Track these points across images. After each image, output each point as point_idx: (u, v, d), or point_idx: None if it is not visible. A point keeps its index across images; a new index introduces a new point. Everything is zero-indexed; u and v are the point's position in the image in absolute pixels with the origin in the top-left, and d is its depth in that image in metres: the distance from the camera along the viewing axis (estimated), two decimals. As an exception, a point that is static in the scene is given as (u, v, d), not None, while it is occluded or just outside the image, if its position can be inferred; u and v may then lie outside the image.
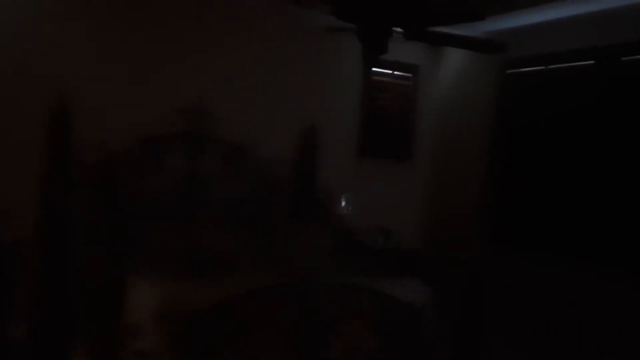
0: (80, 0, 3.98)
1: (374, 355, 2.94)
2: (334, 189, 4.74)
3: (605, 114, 3.93)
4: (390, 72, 5.29)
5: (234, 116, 4.35)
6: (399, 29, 3.04)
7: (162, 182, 4.11)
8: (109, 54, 4.07)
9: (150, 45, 4.21)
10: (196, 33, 4.36)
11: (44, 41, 3.89)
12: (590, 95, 4.04)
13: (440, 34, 3.17)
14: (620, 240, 3.76)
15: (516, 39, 4.45)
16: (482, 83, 5.00)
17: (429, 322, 3.30)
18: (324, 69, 4.94)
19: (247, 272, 3.36)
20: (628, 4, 3.76)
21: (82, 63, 3.98)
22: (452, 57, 5.34)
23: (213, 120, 4.28)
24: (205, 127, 4.28)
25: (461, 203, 5.18)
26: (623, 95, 3.84)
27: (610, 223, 3.84)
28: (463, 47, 3.51)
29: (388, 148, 5.38)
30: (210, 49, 4.42)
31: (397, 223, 5.21)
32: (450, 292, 4.15)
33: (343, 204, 4.74)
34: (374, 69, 5.12)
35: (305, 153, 4.76)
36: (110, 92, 4.05)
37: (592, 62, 4.06)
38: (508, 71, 4.69)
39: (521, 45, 4.45)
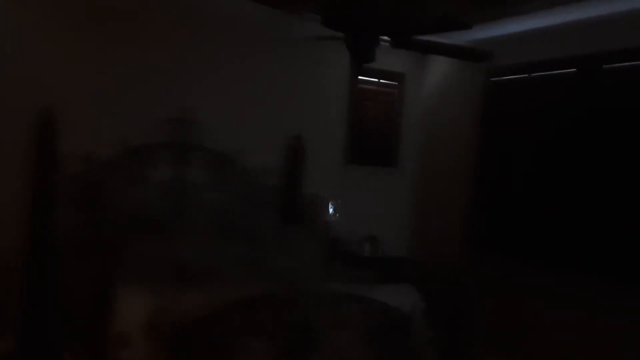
0: (68, 10, 3.96)
1: (363, 363, 2.94)
2: (321, 197, 4.75)
3: (588, 120, 3.99)
4: (376, 80, 5.33)
5: (220, 125, 4.33)
6: (386, 38, 3.07)
7: (149, 191, 4.08)
8: (95, 64, 4.05)
9: (137, 56, 4.19)
10: (183, 43, 4.35)
11: (30, 51, 3.86)
12: (573, 102, 4.10)
13: (427, 43, 3.21)
14: (606, 246, 3.80)
15: (500, 47, 4.50)
16: (467, 91, 5.06)
17: (417, 328, 3.31)
18: (311, 78, 4.96)
19: (234, 281, 3.34)
20: (609, 13, 3.84)
21: (68, 73, 3.95)
22: (438, 66, 5.39)
23: (200, 130, 4.27)
24: (192, 136, 4.27)
25: (447, 209, 5.21)
26: (605, 102, 3.90)
27: (594, 229, 3.89)
28: (449, 55, 3.56)
29: (374, 156, 5.41)
30: (197, 58, 4.41)
31: (384, 230, 5.23)
32: (437, 297, 4.17)
33: (330, 212, 4.75)
34: (360, 77, 5.16)
35: (292, 161, 4.76)
36: (96, 102, 4.03)
37: (574, 70, 4.12)
38: (492, 79, 4.74)
39: (505, 53, 4.51)
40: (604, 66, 3.93)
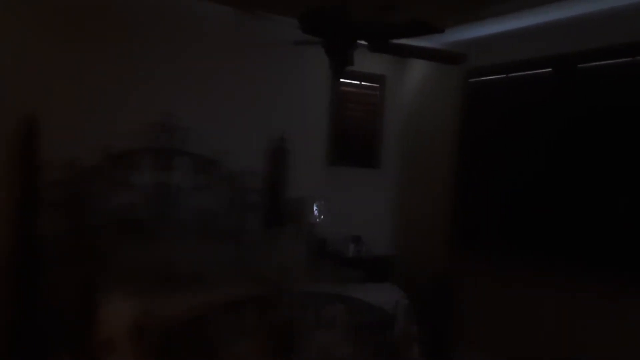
0: (48, 17, 3.97)
1: (348, 361, 2.99)
2: (304, 198, 4.79)
3: (563, 118, 4.08)
4: (357, 82, 5.39)
5: (203, 129, 4.37)
6: (363, 42, 3.13)
7: (134, 197, 4.10)
8: (77, 70, 4.06)
9: (119, 61, 4.21)
10: (164, 48, 4.37)
11: (11, 60, 3.86)
12: (549, 101, 4.19)
13: (403, 47, 3.27)
14: (591, 241, 3.87)
15: (478, 49, 4.60)
16: (446, 91, 5.14)
17: (401, 326, 3.37)
18: (293, 81, 5.00)
19: (220, 284, 3.37)
20: (582, 14, 3.93)
21: (50, 80, 3.95)
22: (418, 67, 5.47)
23: (183, 134, 4.30)
24: (176, 141, 4.29)
25: (430, 209, 5.28)
26: (579, 100, 4.00)
27: (577, 224, 3.97)
28: (425, 58, 3.63)
29: (357, 156, 5.47)
30: (179, 63, 4.42)
31: (368, 230, 5.29)
32: (421, 296, 4.22)
33: (314, 213, 4.79)
34: (341, 79, 5.21)
35: (275, 164, 4.81)
36: (79, 109, 4.04)
37: (549, 70, 4.21)
38: (471, 80, 4.83)
39: (483, 55, 4.60)
40: (578, 66, 4.02)
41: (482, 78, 4.74)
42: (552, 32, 4.18)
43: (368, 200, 5.46)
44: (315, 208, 4.80)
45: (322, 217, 4.83)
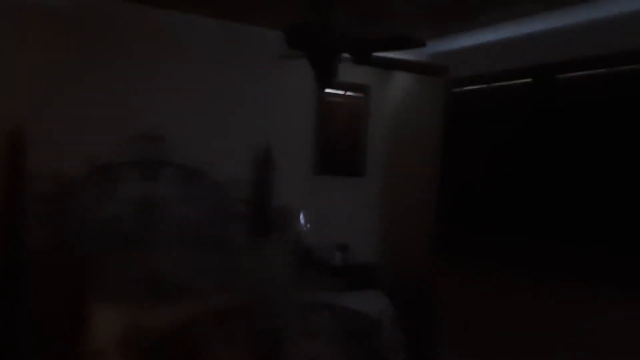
0: (33, 30, 3.98)
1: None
2: (290, 207, 4.83)
3: (542, 126, 4.17)
4: (342, 92, 5.44)
5: (188, 140, 4.39)
6: (347, 55, 3.19)
7: (120, 208, 4.11)
8: (62, 82, 4.07)
9: (104, 73, 4.22)
10: (148, 59, 4.39)
11: (-3, 71, 3.87)
12: (529, 110, 4.28)
13: (387, 59, 3.33)
14: (570, 248, 3.94)
15: (461, 59, 4.68)
16: (429, 101, 5.21)
17: (386, 333, 3.41)
18: (278, 91, 5.03)
19: (207, 293, 3.39)
20: (560, 26, 4.03)
21: (36, 93, 3.96)
22: (402, 78, 5.53)
23: (168, 145, 4.31)
24: (160, 152, 4.31)
25: (414, 216, 5.34)
26: (558, 109, 4.09)
27: (556, 231, 4.04)
28: (407, 70, 3.69)
29: (342, 166, 5.51)
30: (164, 74, 4.45)
31: (353, 238, 5.33)
32: (405, 303, 4.27)
33: (300, 222, 4.83)
34: (326, 89, 5.26)
35: (261, 173, 4.84)
36: (64, 121, 4.05)
37: (529, 80, 4.31)
38: (453, 90, 4.91)
39: (466, 65, 4.68)
40: (557, 76, 4.12)
41: (464, 88, 4.82)
42: (532, 44, 4.27)
43: (354, 208, 5.51)
44: (301, 217, 4.83)
45: (308, 225, 4.86)
